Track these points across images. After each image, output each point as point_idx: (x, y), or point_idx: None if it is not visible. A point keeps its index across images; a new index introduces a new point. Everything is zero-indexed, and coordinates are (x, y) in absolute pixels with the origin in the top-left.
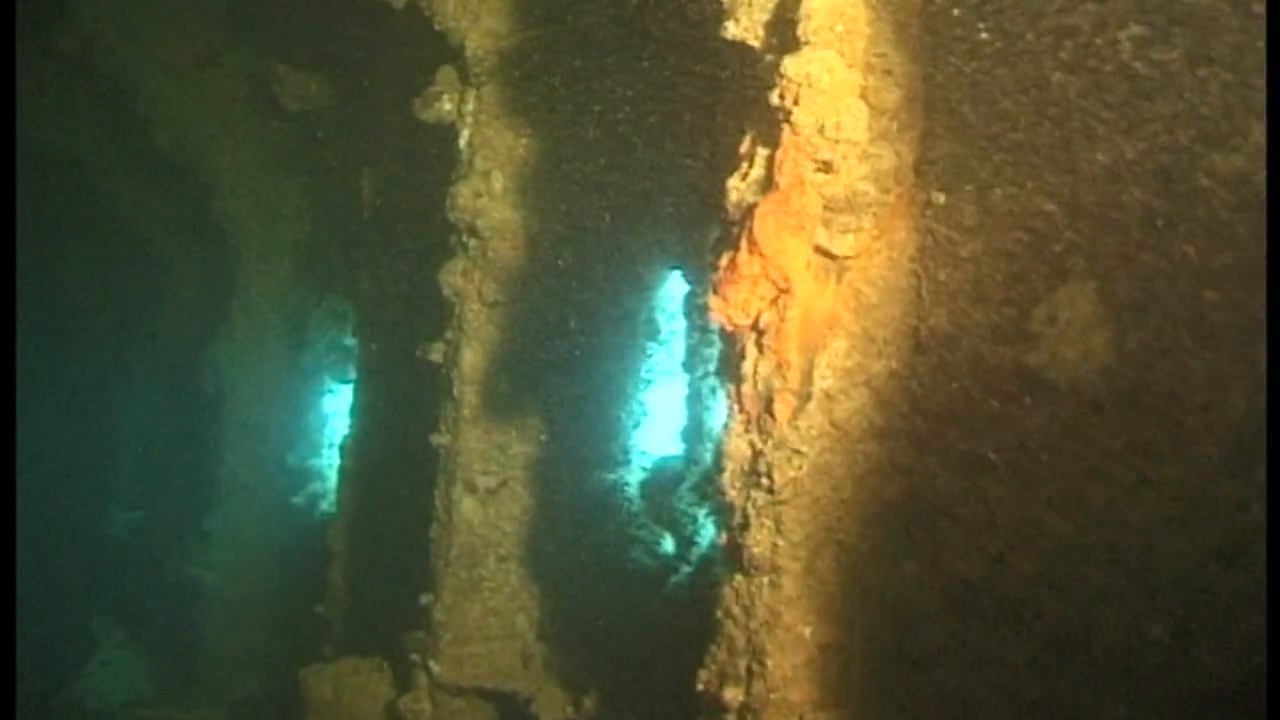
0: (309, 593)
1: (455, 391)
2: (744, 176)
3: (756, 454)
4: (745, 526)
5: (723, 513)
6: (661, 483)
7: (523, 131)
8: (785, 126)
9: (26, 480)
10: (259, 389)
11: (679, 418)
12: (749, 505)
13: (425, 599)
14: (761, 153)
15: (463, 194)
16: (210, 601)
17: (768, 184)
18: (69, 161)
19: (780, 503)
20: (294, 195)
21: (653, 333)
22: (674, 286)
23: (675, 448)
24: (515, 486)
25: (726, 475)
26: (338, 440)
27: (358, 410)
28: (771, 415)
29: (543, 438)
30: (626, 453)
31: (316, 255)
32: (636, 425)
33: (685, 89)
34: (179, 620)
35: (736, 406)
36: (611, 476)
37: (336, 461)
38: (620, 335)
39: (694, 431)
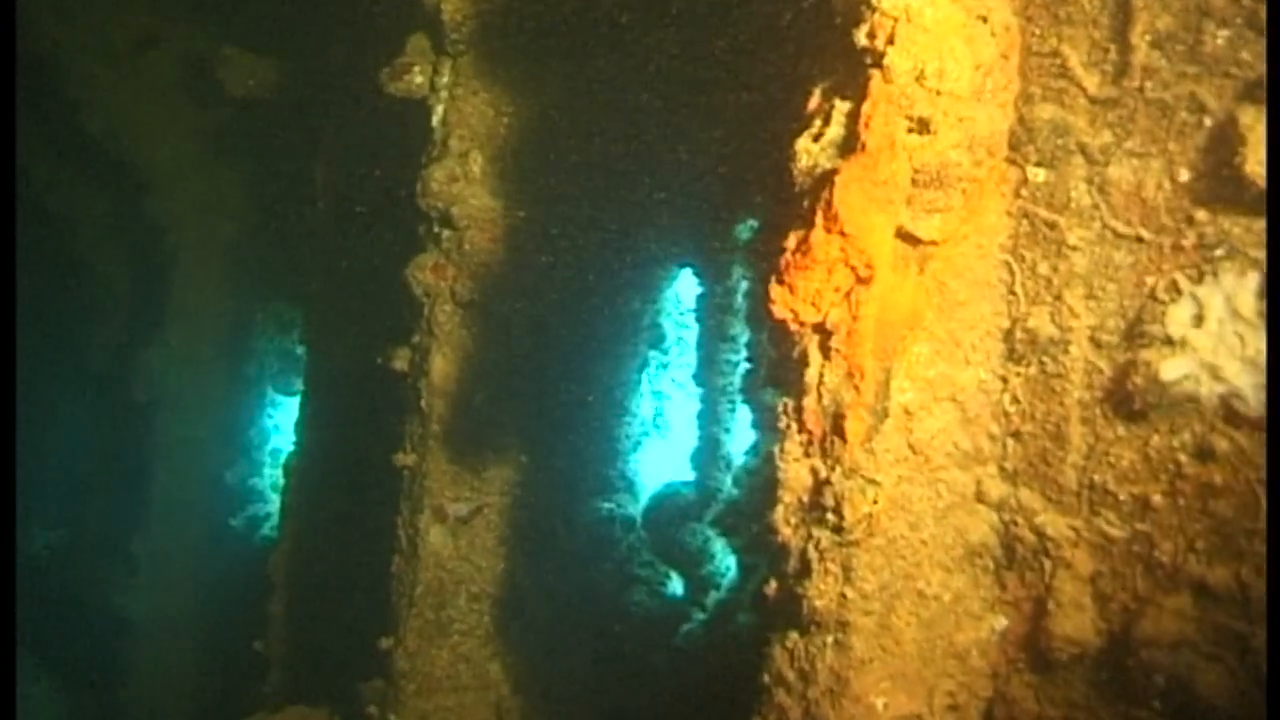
0: (248, 627)
1: (423, 404)
2: (816, 136)
3: (820, 483)
4: (805, 573)
5: (773, 556)
6: (669, 513)
7: (505, 107)
8: (874, 73)
9: None
10: (194, 400)
11: (689, 438)
12: (810, 547)
13: (385, 642)
14: (840, 107)
15: (436, 178)
16: (137, 633)
17: (849, 145)
18: None
19: (850, 544)
20: (236, 189)
21: (657, 339)
22: (684, 286)
23: (685, 473)
24: (491, 515)
25: (780, 510)
26: (282, 458)
27: (305, 425)
28: (841, 436)
29: (523, 459)
30: (625, 477)
31: (261, 255)
32: (637, 446)
33: (713, 44)
34: (102, 653)
35: (794, 425)
36: (607, 505)
37: (280, 481)
38: (618, 342)
39: (708, 454)
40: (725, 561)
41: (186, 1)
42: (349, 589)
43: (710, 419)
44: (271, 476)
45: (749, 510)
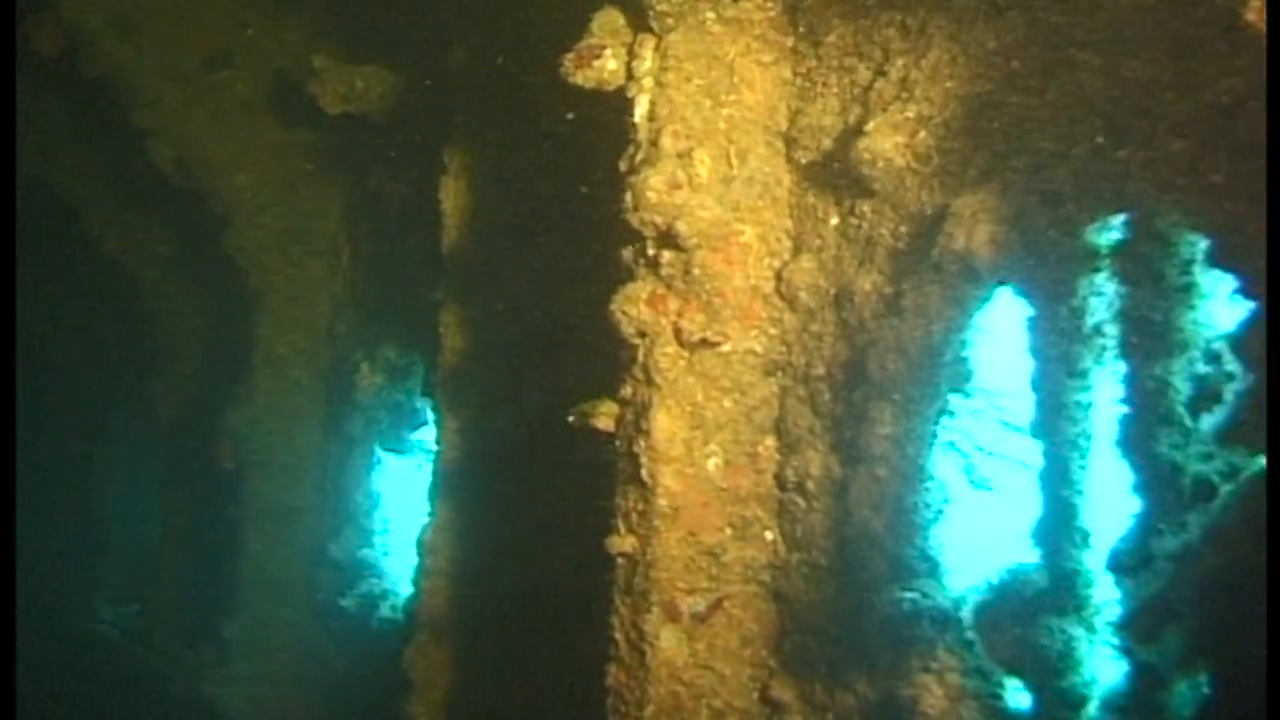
0: None
1: (644, 474)
2: None
3: None
4: None
5: None
6: (1014, 606)
7: (727, 96)
8: None
9: None
10: (288, 463)
11: (1026, 507)
12: None
13: None
14: None
15: (653, 186)
16: None
17: None
18: (42, 190)
19: None
20: (330, 220)
21: (960, 379)
22: (1002, 309)
23: (1024, 551)
24: (735, 609)
25: None
26: (394, 525)
27: (445, 494)
28: None
29: (774, 537)
30: (926, 558)
31: (364, 294)
32: (938, 517)
33: None
34: None
35: None
36: (908, 595)
37: (413, 559)
38: (907, 384)
39: (1058, 527)
40: (1091, 667)
41: (267, 9)
42: (533, 703)
43: (1058, 481)
44: (384, 547)
45: (1178, 610)
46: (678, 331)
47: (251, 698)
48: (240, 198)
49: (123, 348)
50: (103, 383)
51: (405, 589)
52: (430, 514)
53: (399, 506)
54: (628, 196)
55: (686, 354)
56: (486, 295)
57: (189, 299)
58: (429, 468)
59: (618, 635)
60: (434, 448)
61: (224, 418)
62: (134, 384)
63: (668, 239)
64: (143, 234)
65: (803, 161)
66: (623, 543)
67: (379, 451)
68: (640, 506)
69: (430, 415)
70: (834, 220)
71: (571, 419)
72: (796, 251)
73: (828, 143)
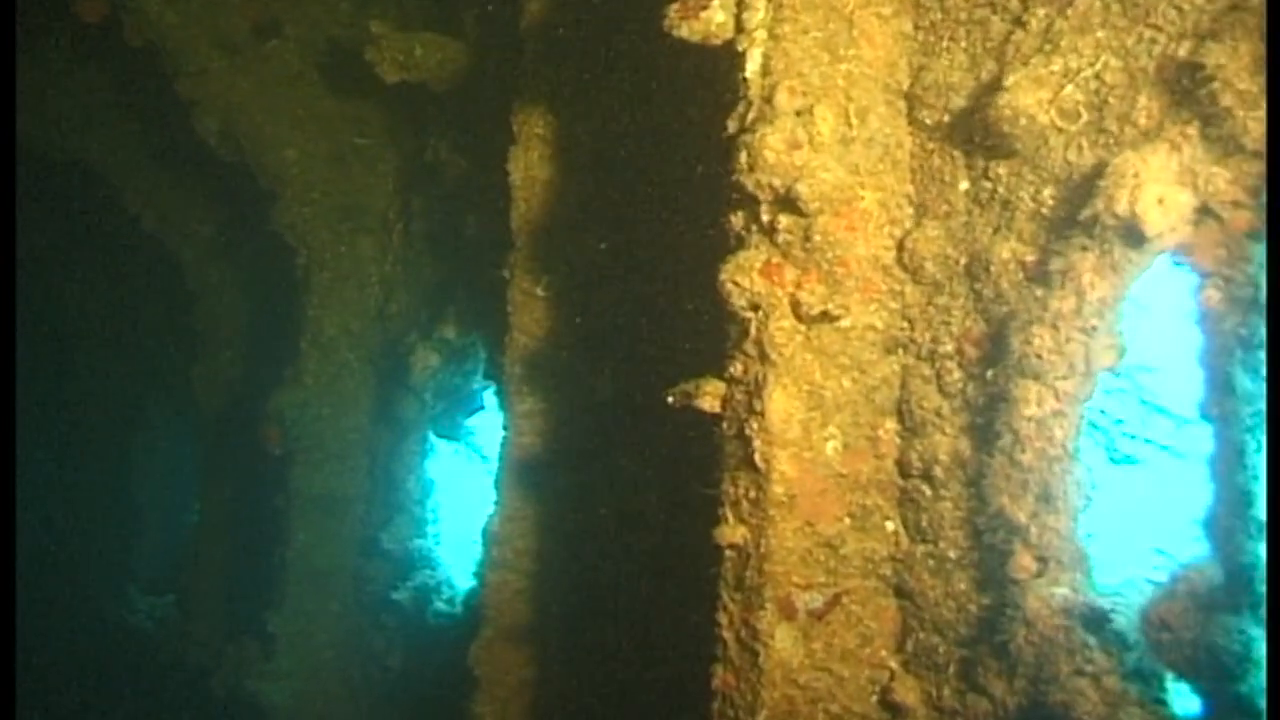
0: None
1: (758, 458)
2: None
3: None
4: None
5: None
6: (1186, 602)
7: (846, 51)
8: None
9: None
10: (338, 450)
11: (1180, 494)
12: None
13: None
14: None
15: (772, 145)
16: None
17: None
18: (79, 167)
19: None
20: (382, 195)
21: (1115, 353)
22: (1160, 275)
23: (1187, 543)
24: (855, 606)
25: None
26: (449, 514)
27: (513, 481)
28: None
29: (890, 525)
30: (1071, 549)
31: (419, 273)
32: (1085, 505)
33: None
34: None
35: None
36: (1057, 591)
37: (473, 551)
38: (1059, 360)
39: (1232, 516)
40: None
41: None
42: (615, 704)
43: (1230, 465)
44: (438, 538)
45: None
46: (795, 304)
47: (297, 694)
48: (289, 172)
49: (163, 330)
50: (141, 366)
51: (462, 581)
52: (497, 503)
53: (455, 495)
54: (742, 157)
55: (804, 328)
56: (561, 271)
57: (234, 278)
58: (485, 454)
59: (726, 634)
60: (500, 432)
61: (270, 401)
62: (175, 367)
63: (785, 203)
64: (186, 210)
65: (927, 122)
66: (732, 533)
67: (432, 437)
68: (752, 494)
69: (493, 398)
70: (963, 184)
71: (671, 399)
72: (920, 219)
73: (956, 101)
